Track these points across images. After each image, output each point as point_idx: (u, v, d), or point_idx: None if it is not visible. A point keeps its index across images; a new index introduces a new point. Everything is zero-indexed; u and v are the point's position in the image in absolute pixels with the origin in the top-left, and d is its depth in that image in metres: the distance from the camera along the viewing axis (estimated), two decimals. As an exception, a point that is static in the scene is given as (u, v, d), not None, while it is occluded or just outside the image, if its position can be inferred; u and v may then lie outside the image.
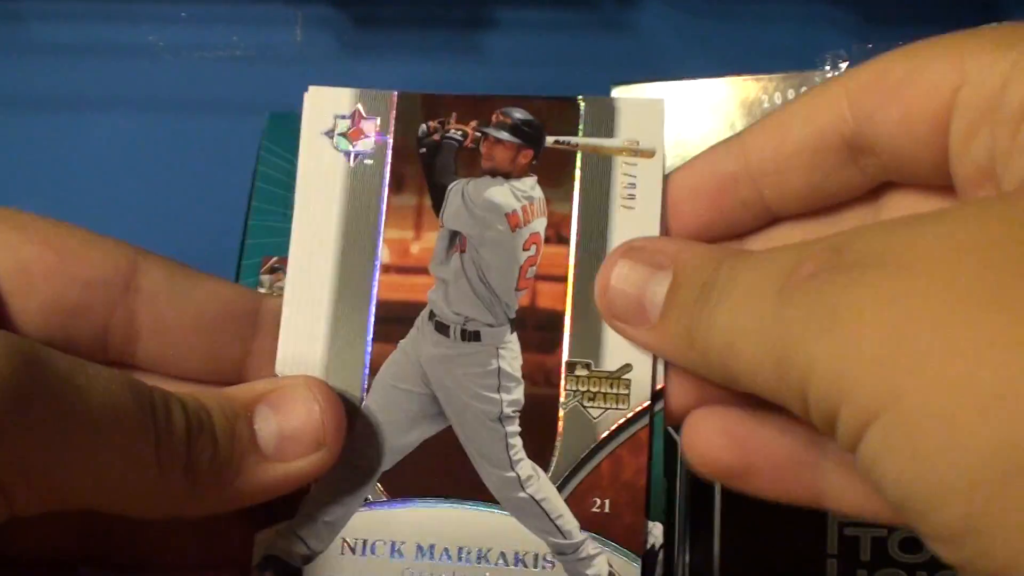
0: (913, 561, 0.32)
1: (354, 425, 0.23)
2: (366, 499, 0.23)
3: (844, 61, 0.38)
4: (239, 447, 0.21)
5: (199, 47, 0.48)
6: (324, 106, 0.24)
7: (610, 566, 0.23)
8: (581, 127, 0.24)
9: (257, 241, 0.38)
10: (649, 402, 0.23)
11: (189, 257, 0.26)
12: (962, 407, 0.14)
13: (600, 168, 0.24)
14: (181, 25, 0.48)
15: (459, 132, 0.24)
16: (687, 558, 0.33)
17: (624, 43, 0.48)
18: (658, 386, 0.23)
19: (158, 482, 0.19)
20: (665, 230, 0.23)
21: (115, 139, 0.47)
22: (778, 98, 0.39)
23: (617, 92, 0.41)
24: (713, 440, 0.23)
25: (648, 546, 0.23)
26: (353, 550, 0.23)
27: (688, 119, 0.39)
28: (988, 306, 0.15)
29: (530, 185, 0.24)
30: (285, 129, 0.39)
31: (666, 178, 0.24)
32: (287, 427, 0.22)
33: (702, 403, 0.23)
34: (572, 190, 0.24)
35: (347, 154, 0.24)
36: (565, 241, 0.24)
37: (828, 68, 0.38)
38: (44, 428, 0.17)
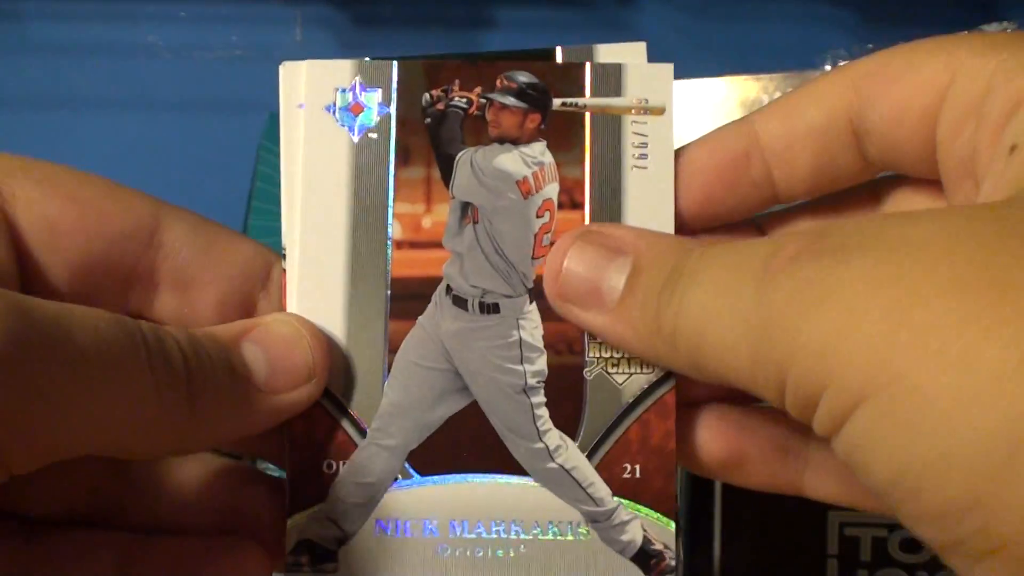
0: (913, 561, 0.32)
1: (378, 404, 0.23)
2: (396, 478, 0.23)
3: (844, 61, 0.38)
4: (236, 378, 0.21)
5: (199, 47, 0.48)
6: (324, 79, 0.24)
7: (644, 531, 0.23)
8: (588, 89, 0.24)
9: (258, 239, 0.38)
10: None
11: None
12: (968, 383, 0.14)
13: (610, 129, 0.23)
14: (181, 25, 0.48)
15: (463, 100, 0.23)
16: (687, 558, 0.33)
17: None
18: None
19: (160, 418, 0.19)
20: (676, 196, 0.23)
21: (115, 139, 0.47)
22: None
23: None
24: (706, 432, 0.23)
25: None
26: (386, 530, 0.23)
27: (688, 119, 0.39)
28: (989, 286, 0.15)
29: (540, 150, 0.23)
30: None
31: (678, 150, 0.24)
32: (275, 359, 0.22)
33: (710, 397, 0.23)
34: (583, 153, 0.23)
35: (351, 128, 0.24)
36: (579, 206, 0.23)
37: (828, 68, 0.38)
38: (35, 379, 0.17)
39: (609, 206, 0.23)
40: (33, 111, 0.48)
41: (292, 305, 0.23)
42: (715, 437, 0.23)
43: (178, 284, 0.23)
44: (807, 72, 0.38)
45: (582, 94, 0.23)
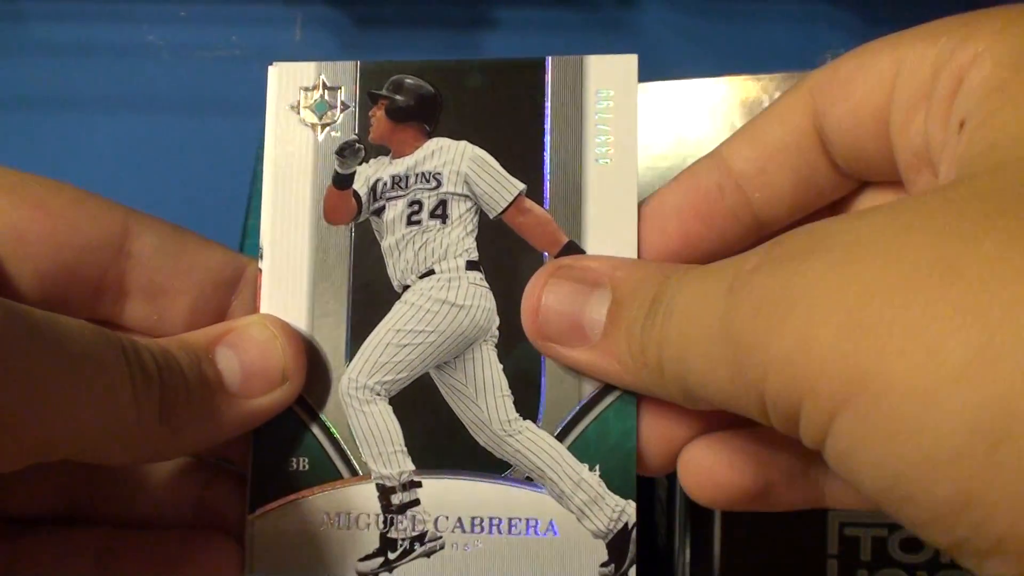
0: (913, 561, 0.32)
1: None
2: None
3: (844, 61, 0.38)
4: (208, 387, 0.21)
5: (199, 47, 0.48)
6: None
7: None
8: (549, 89, 0.24)
9: (257, 241, 0.38)
10: None
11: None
12: (936, 379, 0.14)
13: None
14: (181, 25, 0.48)
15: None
16: (687, 558, 0.33)
17: (624, 43, 0.48)
18: None
19: (136, 426, 0.19)
20: (653, 241, 0.23)
21: (115, 139, 0.47)
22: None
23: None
24: (726, 467, 0.22)
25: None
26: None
27: (688, 119, 0.39)
28: (943, 276, 0.14)
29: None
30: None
31: (645, 201, 0.23)
32: (249, 364, 0.22)
33: (678, 443, 0.22)
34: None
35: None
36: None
37: (828, 68, 0.38)
38: (25, 380, 0.17)
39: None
40: (33, 111, 0.48)
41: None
42: (736, 470, 0.22)
43: (148, 293, 0.23)
44: (807, 72, 0.38)
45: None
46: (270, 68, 0.24)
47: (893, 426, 0.14)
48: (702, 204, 0.22)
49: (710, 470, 0.22)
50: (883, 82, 0.20)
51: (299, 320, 0.23)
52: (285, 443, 0.23)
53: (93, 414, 0.19)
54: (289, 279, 0.24)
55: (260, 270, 0.24)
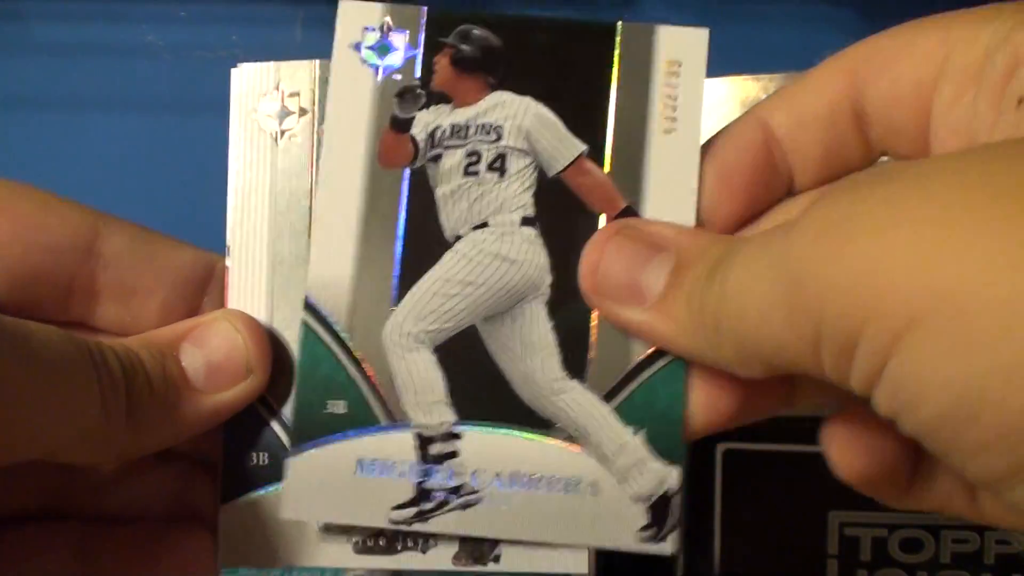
0: (913, 561, 0.32)
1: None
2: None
3: (844, 61, 0.38)
4: (172, 384, 0.22)
5: (199, 47, 0.48)
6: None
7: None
8: (617, 55, 0.23)
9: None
10: None
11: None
12: (1020, 288, 0.14)
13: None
14: (181, 25, 0.48)
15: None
16: (687, 558, 0.33)
17: (624, 43, 0.48)
18: None
19: (103, 429, 0.20)
20: (717, 200, 0.23)
21: (115, 139, 0.47)
22: (778, 98, 0.39)
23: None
24: (877, 437, 0.21)
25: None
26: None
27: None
28: None
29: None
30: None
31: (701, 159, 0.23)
32: (213, 358, 0.22)
33: (723, 413, 0.22)
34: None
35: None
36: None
37: (828, 68, 0.38)
38: None
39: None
40: (33, 111, 0.48)
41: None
42: (890, 441, 0.20)
43: (119, 293, 0.24)
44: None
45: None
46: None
47: (970, 338, 0.14)
48: (759, 159, 0.23)
49: (867, 438, 0.21)
50: (930, 60, 0.20)
51: (345, 263, 0.23)
52: (322, 386, 0.23)
53: (61, 419, 0.19)
54: (339, 222, 0.23)
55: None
